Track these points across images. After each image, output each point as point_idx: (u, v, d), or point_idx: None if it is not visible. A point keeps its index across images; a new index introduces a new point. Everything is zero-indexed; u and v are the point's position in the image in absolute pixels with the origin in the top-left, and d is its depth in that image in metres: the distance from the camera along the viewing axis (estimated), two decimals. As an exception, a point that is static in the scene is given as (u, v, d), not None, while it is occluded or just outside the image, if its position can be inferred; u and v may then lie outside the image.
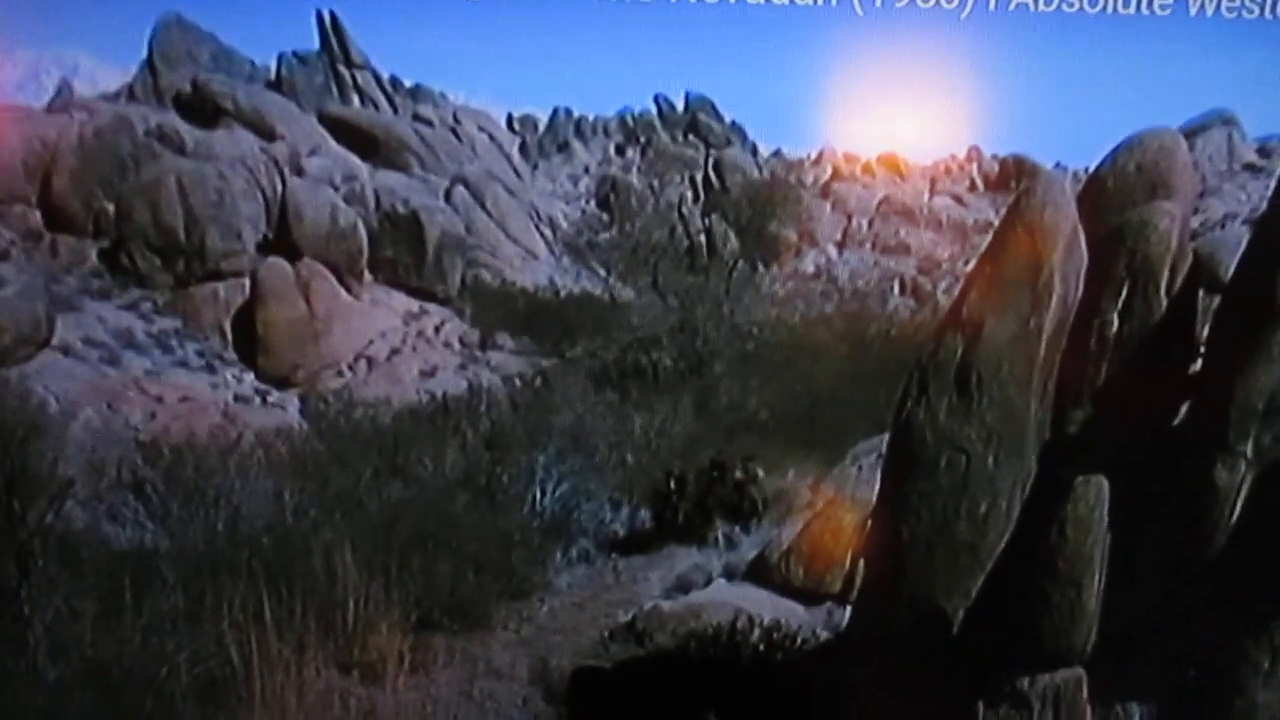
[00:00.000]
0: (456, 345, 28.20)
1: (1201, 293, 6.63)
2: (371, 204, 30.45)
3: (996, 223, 7.49)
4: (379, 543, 10.67)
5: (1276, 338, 5.81)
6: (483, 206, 33.66)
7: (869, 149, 42.86)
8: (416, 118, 36.24)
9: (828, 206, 39.69)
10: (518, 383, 24.15)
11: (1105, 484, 6.09)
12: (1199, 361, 6.51)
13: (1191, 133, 34.53)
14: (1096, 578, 6.02)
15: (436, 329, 28.86)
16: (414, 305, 29.46)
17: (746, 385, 21.03)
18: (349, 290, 27.95)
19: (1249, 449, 5.76)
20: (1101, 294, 6.48)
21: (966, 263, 31.86)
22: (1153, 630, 5.90)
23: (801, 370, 21.16)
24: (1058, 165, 38.66)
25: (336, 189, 29.97)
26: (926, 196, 40.41)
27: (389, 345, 27.64)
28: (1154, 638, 5.90)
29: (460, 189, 33.49)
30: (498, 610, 10.88)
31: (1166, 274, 6.40)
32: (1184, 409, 6.36)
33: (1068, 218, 6.65)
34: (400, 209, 30.25)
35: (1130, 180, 6.71)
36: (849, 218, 38.94)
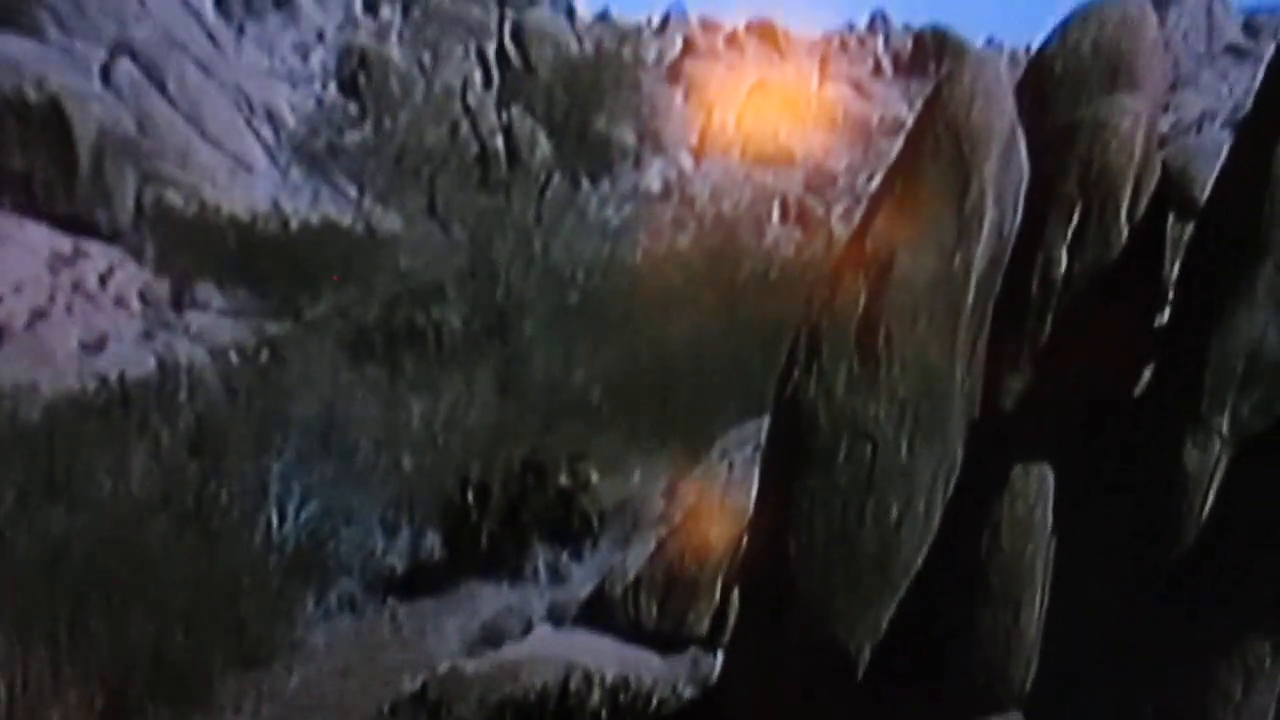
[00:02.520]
0: (135, 303, 27.39)
1: (1171, 218, 7.28)
2: (-15, 86, 29.15)
3: (910, 121, 7.95)
4: (37, 595, 10.61)
5: (1261, 277, 6.44)
6: (162, 91, 32.49)
7: (734, 14, 43.56)
8: (49, -49, 34.72)
9: (678, 95, 40.15)
10: (234, 357, 23.72)
11: (1050, 476, 6.69)
12: (1166, 310, 7.14)
13: (1161, 1, 36.52)
14: (1038, 596, 6.63)
15: (102, 279, 27.93)
16: (64, 243, 28.37)
17: (570, 352, 21.32)
18: (-41, 220, 26.85)
19: (1225, 423, 6.42)
20: (1047, 220, 7.05)
21: (871, 177, 32.92)
22: (1105, 659, 6.55)
23: (647, 330, 21.56)
24: (990, 42, 40.23)
25: (-70, 64, 28.58)
26: (815, 83, 41.40)
27: (28, 304, 26.60)
28: (1106, 668, 6.56)
29: (125, 63, 32.22)
30: (224, 683, 10.96)
31: (1129, 193, 7.00)
32: (1148, 373, 6.98)
33: (1003, 115, 7.20)
34: (31, 94, 29.01)
35: (1084, 65, 7.30)
36: (708, 112, 39.55)
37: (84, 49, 31.76)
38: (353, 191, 33.41)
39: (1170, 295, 7.15)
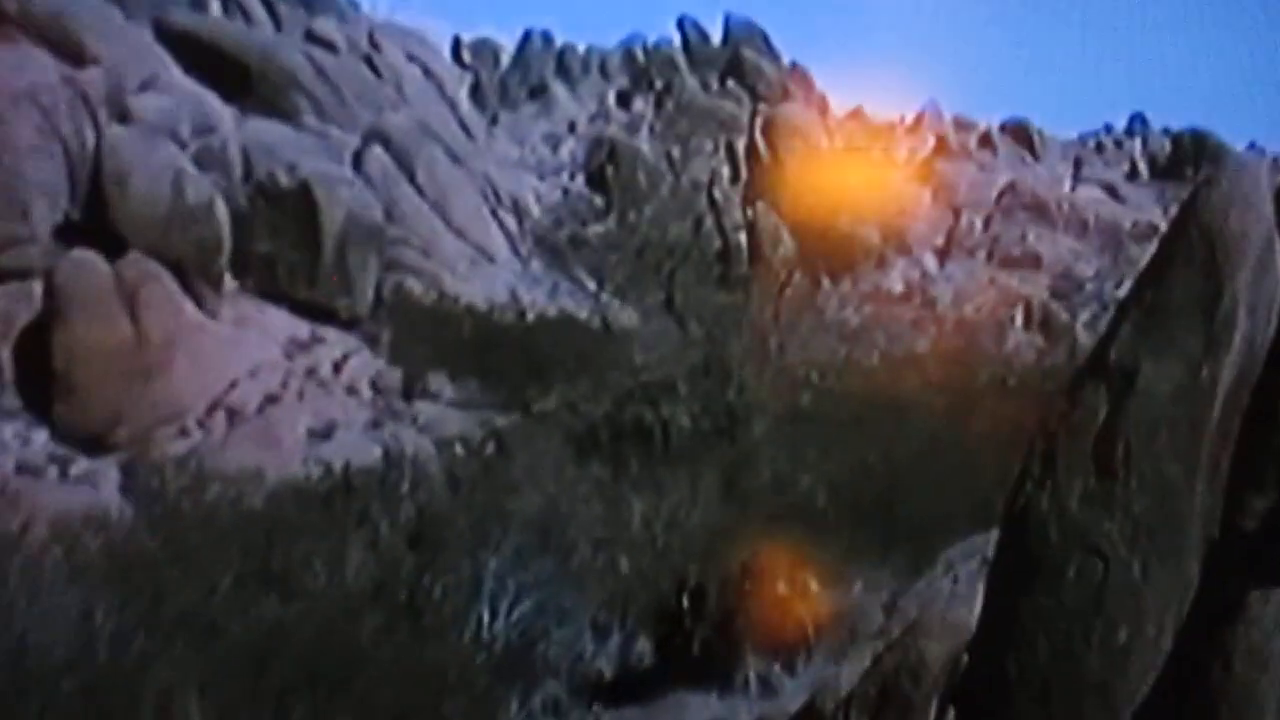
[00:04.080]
0: (367, 391, 28.24)
1: None
2: (238, 170, 30.18)
3: (1163, 227, 7.81)
4: (244, 686, 10.93)
5: None
6: (411, 179, 33.50)
7: (988, 113, 43.38)
8: (311, 38, 35.92)
9: (927, 195, 39.99)
10: (459, 449, 24.29)
11: (1294, 602, 6.41)
12: None
13: None
14: (1273, 732, 6.32)
15: (336, 366, 28.85)
16: (302, 328, 29.36)
17: (798, 456, 21.24)
18: (200, 304, 27.68)
19: None
20: (1302, 333, 6.84)
21: (1120, 283, 32.14)
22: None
23: (878, 435, 21.37)
24: (1251, 146, 39.09)
25: (184, 146, 29.59)
26: (1068, 185, 40.84)
27: (262, 389, 27.55)
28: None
29: (377, 150, 33.32)
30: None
31: (1395, 307, 6.78)
32: None
33: (1261, 222, 7.01)
34: (283, 179, 29.98)
35: (1350, 171, 7.10)
36: (956, 213, 39.25)
37: (338, 135, 32.92)
38: (592, 284, 33.93)
39: None
